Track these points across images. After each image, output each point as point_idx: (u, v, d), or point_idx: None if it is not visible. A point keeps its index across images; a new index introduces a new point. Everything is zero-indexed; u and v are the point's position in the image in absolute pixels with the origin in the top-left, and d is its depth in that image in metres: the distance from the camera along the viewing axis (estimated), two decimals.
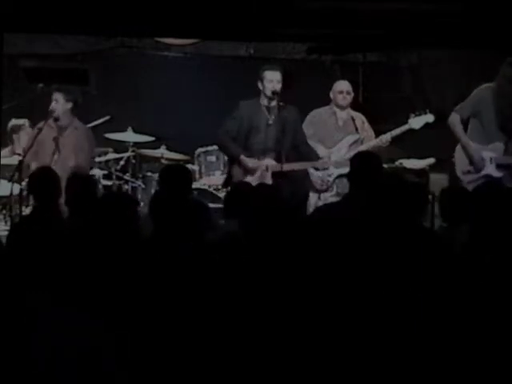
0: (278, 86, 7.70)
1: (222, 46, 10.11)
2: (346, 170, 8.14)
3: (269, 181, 7.37)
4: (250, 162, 7.67)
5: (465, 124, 7.88)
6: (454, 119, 7.80)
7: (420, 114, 8.07)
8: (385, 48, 9.64)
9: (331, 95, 8.48)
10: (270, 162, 7.66)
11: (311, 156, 7.90)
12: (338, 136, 8.16)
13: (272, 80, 7.71)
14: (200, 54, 10.19)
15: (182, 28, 7.68)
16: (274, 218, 4.53)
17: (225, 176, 8.35)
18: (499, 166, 7.67)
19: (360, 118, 8.56)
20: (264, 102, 7.77)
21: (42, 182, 6.01)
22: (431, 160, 9.22)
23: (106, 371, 2.42)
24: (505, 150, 7.71)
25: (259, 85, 7.78)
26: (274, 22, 7.40)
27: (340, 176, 8.26)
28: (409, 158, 9.34)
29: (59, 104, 7.93)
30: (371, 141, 8.22)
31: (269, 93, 7.70)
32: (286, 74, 7.88)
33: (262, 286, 3.95)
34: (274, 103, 7.72)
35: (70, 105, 8.00)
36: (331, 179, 8.25)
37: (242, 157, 7.68)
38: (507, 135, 7.75)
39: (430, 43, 8.19)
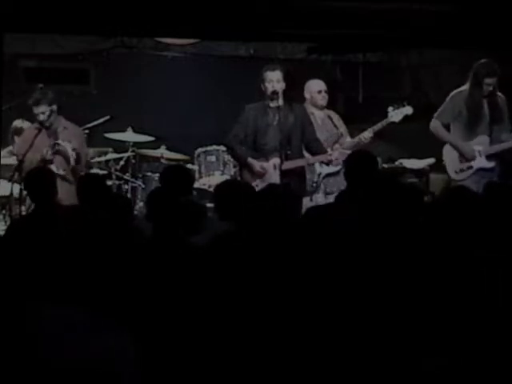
0: (279, 86, 7.64)
1: (222, 46, 10.12)
2: (332, 169, 8.19)
3: (277, 180, 7.30)
4: (258, 164, 7.58)
5: (446, 128, 7.94)
6: (436, 124, 7.88)
7: (398, 107, 8.02)
8: (385, 48, 9.65)
9: (306, 95, 8.41)
10: (277, 161, 7.51)
11: (322, 152, 7.79)
12: (320, 135, 8.01)
13: (272, 80, 7.67)
14: (200, 54, 10.20)
15: (182, 28, 7.69)
16: (271, 220, 4.52)
17: (225, 176, 8.34)
18: (489, 157, 7.78)
19: (334, 115, 8.52)
20: (268, 103, 7.72)
21: (38, 181, 6.00)
22: (431, 160, 9.23)
23: (106, 371, 2.42)
24: (490, 141, 7.79)
25: (262, 86, 7.74)
26: (274, 22, 7.41)
27: (327, 175, 8.24)
28: (409, 158, 9.35)
29: (45, 115, 7.79)
30: (354, 137, 8.13)
31: (270, 93, 7.67)
32: (286, 73, 7.85)
33: (262, 286, 3.95)
34: (277, 103, 7.64)
35: (54, 107, 7.88)
36: (320, 179, 8.22)
37: (250, 159, 7.60)
38: (489, 129, 7.82)
39: (430, 43, 8.20)
